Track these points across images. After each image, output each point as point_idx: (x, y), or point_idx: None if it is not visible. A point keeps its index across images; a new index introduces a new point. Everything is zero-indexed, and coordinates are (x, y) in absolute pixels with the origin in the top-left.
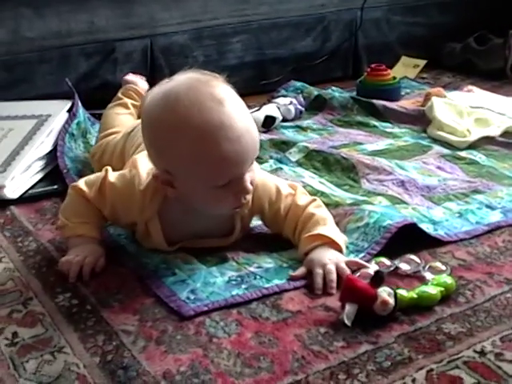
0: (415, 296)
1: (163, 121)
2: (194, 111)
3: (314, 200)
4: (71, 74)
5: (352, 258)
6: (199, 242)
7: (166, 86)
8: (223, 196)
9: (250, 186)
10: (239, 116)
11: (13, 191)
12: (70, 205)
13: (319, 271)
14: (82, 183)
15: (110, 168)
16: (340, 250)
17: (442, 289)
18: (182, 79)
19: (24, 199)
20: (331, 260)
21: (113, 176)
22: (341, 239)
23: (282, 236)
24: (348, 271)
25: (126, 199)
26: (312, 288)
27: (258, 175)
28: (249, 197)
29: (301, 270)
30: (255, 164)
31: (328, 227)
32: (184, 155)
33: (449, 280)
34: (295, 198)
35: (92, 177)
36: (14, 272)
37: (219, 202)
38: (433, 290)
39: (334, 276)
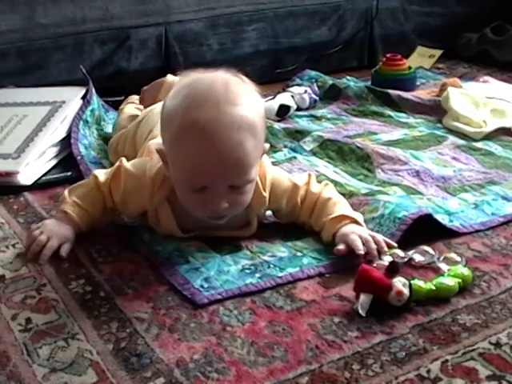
0: (433, 288)
1: (169, 103)
2: (192, 106)
3: (327, 184)
4: (85, 61)
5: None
6: (215, 233)
7: (197, 74)
8: (197, 201)
9: (221, 205)
10: (235, 128)
11: (27, 177)
12: (79, 186)
13: (356, 237)
14: (99, 171)
15: (124, 158)
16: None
17: (460, 280)
18: (215, 74)
19: (38, 185)
20: (364, 232)
21: (128, 163)
22: (361, 219)
23: (295, 223)
24: (378, 236)
25: (138, 184)
26: (353, 252)
27: (272, 173)
28: (226, 213)
29: (342, 245)
30: (267, 162)
31: (347, 208)
32: (170, 144)
33: (466, 271)
34: (309, 186)
35: (110, 168)
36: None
37: (194, 206)
38: (450, 281)
39: (372, 244)
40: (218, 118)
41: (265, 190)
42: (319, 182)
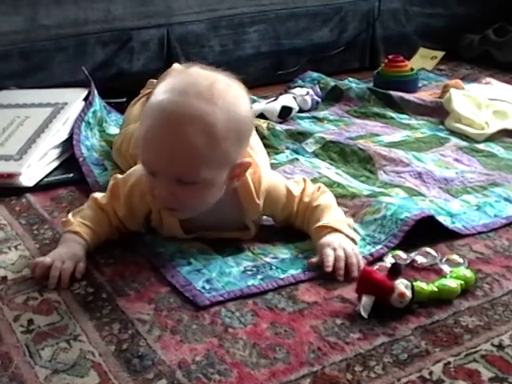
0: (435, 289)
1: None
2: (167, 90)
3: (319, 188)
4: (88, 62)
5: (361, 249)
6: (216, 234)
7: (198, 69)
8: (150, 186)
9: (166, 195)
10: (191, 123)
11: (29, 179)
12: (82, 209)
13: (329, 252)
14: (96, 194)
15: (118, 174)
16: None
17: (462, 282)
18: (207, 71)
19: (40, 187)
20: (340, 246)
21: (123, 175)
22: (344, 226)
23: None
24: (354, 258)
25: (140, 187)
26: (322, 268)
27: (268, 180)
28: (175, 206)
29: (316, 257)
30: (263, 168)
31: (334, 214)
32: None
33: (468, 273)
34: (303, 194)
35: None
36: (30, 259)
37: (148, 190)
38: (453, 283)
39: (342, 263)
40: (179, 107)
41: (258, 198)
42: (322, 184)
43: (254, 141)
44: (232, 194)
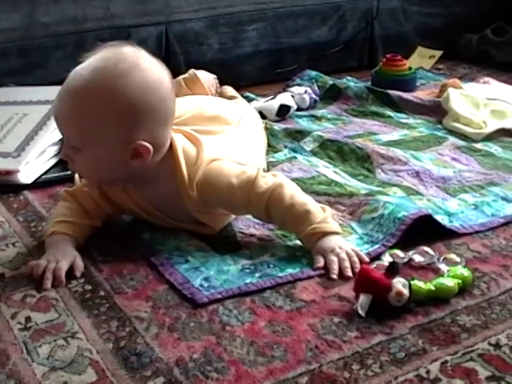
0: (433, 288)
1: None
2: (84, 62)
3: (280, 185)
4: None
5: (357, 248)
6: (173, 223)
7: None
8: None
9: (64, 156)
10: (76, 90)
11: (27, 176)
12: (52, 213)
13: (334, 258)
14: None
15: None
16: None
17: (460, 281)
18: (136, 50)
19: (38, 184)
20: (342, 249)
21: None
22: (331, 226)
23: None
24: (355, 257)
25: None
26: (328, 274)
27: (209, 172)
28: (75, 169)
29: (320, 260)
30: (206, 161)
31: (313, 215)
32: None
33: (465, 272)
34: (254, 185)
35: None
36: (28, 257)
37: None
38: (450, 282)
39: (348, 263)
40: (70, 77)
41: (192, 190)
42: (320, 182)
43: (239, 134)
44: (173, 185)
